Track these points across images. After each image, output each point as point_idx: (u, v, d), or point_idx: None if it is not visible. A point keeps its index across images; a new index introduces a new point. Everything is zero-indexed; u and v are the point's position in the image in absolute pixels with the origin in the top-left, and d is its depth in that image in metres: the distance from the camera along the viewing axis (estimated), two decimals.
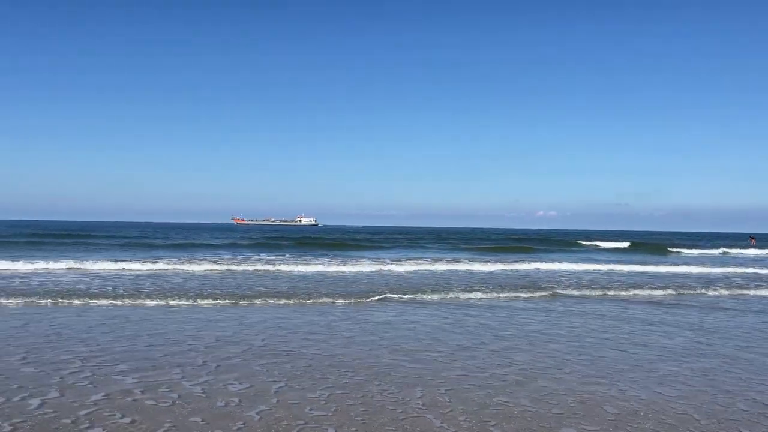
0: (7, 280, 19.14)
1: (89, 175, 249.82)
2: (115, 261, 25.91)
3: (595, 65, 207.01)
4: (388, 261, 30.62)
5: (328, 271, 24.66)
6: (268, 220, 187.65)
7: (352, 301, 16.18)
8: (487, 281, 22.32)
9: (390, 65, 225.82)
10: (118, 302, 14.96)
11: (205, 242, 53.21)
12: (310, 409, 6.64)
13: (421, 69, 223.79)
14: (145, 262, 25.86)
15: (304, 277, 22.19)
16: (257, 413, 6.48)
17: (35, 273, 21.54)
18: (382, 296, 16.88)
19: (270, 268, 25.26)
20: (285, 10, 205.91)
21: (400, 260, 32.05)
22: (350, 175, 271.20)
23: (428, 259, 33.39)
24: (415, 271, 25.93)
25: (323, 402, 6.94)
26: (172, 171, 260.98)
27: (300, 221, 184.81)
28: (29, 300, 14.74)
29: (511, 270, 28.31)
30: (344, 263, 27.90)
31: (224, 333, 11.21)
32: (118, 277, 20.54)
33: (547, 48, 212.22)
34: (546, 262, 33.61)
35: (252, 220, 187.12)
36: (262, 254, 36.14)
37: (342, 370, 8.47)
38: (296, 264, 26.69)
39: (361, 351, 9.80)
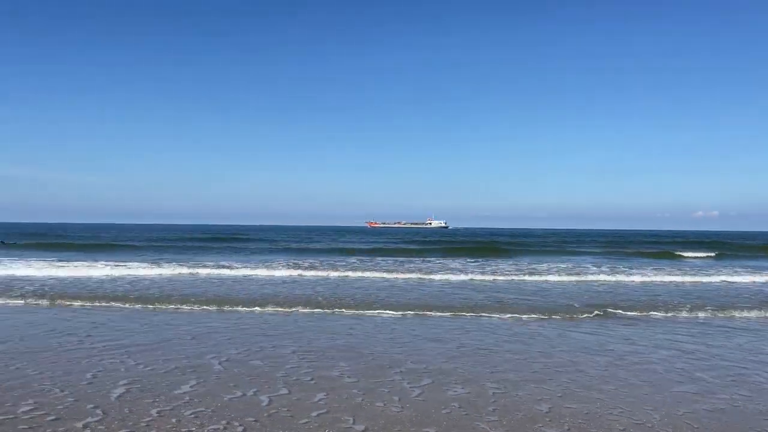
0: (268, 285, 20.27)
1: (231, 179, 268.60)
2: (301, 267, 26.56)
3: None
4: (589, 267, 27.92)
5: (516, 281, 21.80)
6: (399, 223, 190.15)
7: (577, 316, 13.70)
8: (705, 296, 17.92)
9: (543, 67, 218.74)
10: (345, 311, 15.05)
11: (390, 247, 50.47)
12: None
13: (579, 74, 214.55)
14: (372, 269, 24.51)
15: (495, 287, 19.57)
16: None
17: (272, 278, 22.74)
18: (601, 311, 14.28)
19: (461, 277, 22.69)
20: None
21: (583, 266, 29.93)
22: (479, 176, 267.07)
23: (606, 268, 28.98)
24: (613, 282, 21.92)
25: None
26: (311, 175, 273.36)
27: (430, 224, 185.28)
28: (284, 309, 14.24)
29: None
30: (530, 273, 24.57)
31: (471, 342, 10.77)
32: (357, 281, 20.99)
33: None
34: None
35: (384, 223, 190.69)
36: (442, 259, 34.04)
37: None
38: (481, 272, 24.16)
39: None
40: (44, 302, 14.68)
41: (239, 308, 13.92)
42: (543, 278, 22.29)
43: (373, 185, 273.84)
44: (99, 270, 22.52)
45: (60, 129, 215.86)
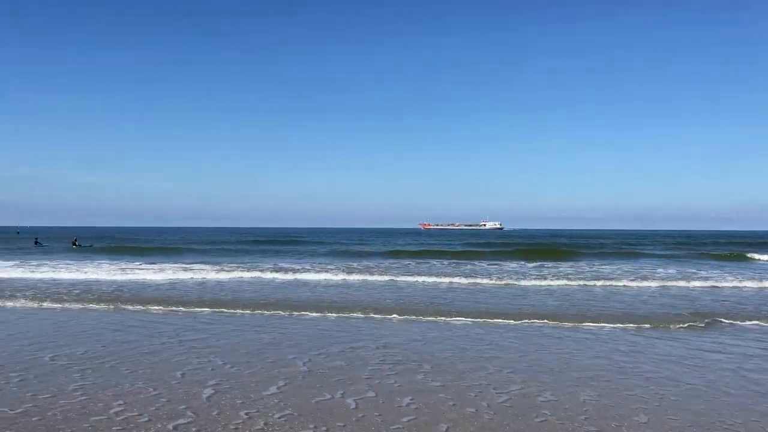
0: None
1: (284, 182, 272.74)
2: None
3: None
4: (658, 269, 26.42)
5: (588, 286, 20.25)
6: (452, 224, 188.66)
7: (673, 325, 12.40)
8: None
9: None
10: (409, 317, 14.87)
11: (451, 249, 47.97)
12: None
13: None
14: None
15: (567, 293, 18.09)
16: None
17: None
18: (709, 320, 12.94)
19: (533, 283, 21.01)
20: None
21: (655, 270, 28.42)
22: (534, 177, 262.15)
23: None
24: (698, 288, 20.01)
25: None
26: (368, 179, 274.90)
27: (484, 225, 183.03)
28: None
29: None
30: (597, 277, 23.01)
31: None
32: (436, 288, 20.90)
33: None
34: None
35: (438, 225, 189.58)
36: (502, 262, 32.43)
37: None
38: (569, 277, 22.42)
39: None
40: (126, 306, 14.73)
41: (310, 313, 13.61)
42: (612, 283, 21.03)
43: (427, 187, 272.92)
44: (168, 274, 22.98)
45: (125, 140, 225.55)
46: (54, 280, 21.00)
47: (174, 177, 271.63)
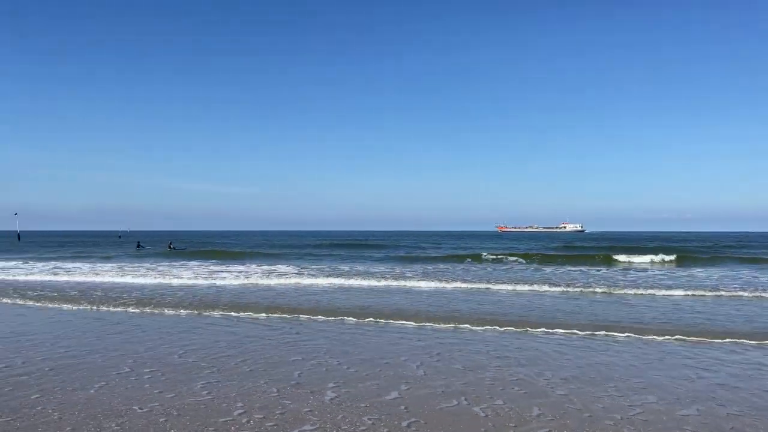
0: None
1: (357, 184, 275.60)
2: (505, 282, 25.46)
3: None
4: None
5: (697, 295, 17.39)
6: (531, 227, 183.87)
7: None
8: None
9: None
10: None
11: (532, 252, 43.00)
12: None
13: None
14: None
15: (676, 302, 15.48)
16: None
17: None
18: None
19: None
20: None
21: None
22: (616, 177, 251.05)
23: None
24: None
25: None
26: (442, 180, 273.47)
27: (564, 227, 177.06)
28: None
29: None
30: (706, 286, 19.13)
31: None
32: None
33: None
34: None
35: (516, 228, 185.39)
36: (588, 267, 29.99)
37: None
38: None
39: None
40: (231, 313, 13.87)
41: (409, 322, 12.36)
42: (720, 293, 18.04)
43: (504, 188, 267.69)
44: (259, 278, 22.94)
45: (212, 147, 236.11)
46: (163, 284, 21.84)
47: (259, 182, 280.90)
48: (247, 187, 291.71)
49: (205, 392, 6.86)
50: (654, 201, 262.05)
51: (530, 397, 6.72)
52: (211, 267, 29.56)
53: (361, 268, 28.63)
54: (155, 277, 23.29)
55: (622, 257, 35.74)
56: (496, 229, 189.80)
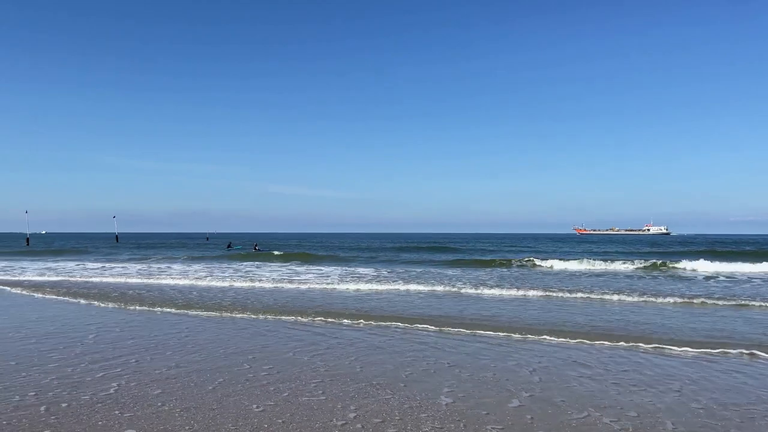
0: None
1: (440, 188, 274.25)
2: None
3: None
4: None
5: None
6: (612, 229, 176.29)
7: None
8: None
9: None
10: None
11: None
12: None
13: None
14: None
15: None
16: None
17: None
18: None
19: None
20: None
21: None
22: (704, 178, 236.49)
23: None
24: None
25: None
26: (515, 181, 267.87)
27: (648, 230, 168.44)
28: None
29: None
30: None
31: None
32: None
33: None
34: None
35: (595, 230, 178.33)
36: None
37: None
38: None
39: None
40: (331, 320, 12.54)
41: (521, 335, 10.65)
42: None
43: (584, 189, 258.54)
44: (344, 284, 21.23)
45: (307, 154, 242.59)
46: (255, 288, 22.26)
47: (344, 186, 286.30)
48: (334, 191, 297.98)
49: (320, 391, 6.66)
50: (751, 201, 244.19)
51: (666, 412, 6.04)
52: (294, 268, 30.09)
53: (435, 271, 28.12)
54: (251, 280, 23.00)
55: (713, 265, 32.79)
56: (574, 232, 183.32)
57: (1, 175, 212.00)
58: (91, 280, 23.09)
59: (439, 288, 19.14)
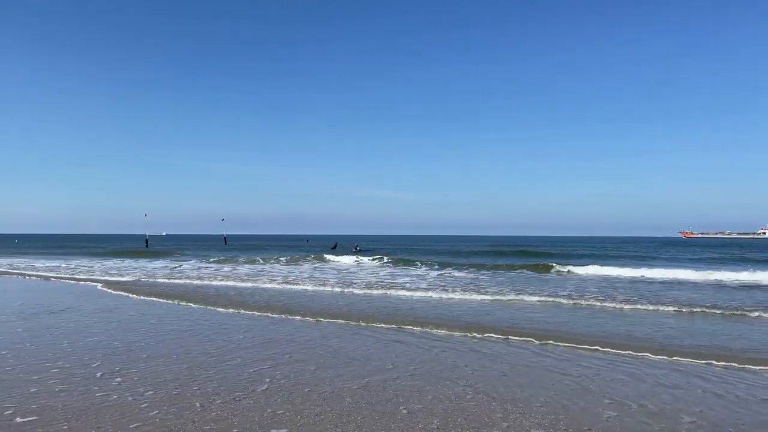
0: None
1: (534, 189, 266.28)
2: None
3: None
4: None
5: None
6: (721, 233, 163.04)
7: None
8: None
9: None
10: None
11: None
12: None
13: None
14: None
15: None
16: None
17: None
18: None
19: None
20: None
21: None
22: None
23: None
24: None
25: None
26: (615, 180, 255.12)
27: (764, 233, 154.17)
28: None
29: None
30: None
31: None
32: None
33: None
34: None
35: (703, 234, 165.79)
36: None
37: None
38: None
39: None
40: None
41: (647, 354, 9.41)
42: None
43: (690, 190, 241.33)
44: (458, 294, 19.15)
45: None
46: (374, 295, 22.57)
47: (421, 189, 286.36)
48: (425, 194, 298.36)
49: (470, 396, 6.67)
50: None
51: None
52: (393, 270, 30.39)
53: (532, 275, 27.17)
54: (386, 287, 20.94)
55: None
56: (680, 235, 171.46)
57: (124, 181, 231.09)
58: (214, 283, 24.56)
59: (564, 301, 16.74)
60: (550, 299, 17.11)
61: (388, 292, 19.34)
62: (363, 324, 12.33)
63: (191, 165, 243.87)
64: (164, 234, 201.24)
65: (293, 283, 22.47)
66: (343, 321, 12.78)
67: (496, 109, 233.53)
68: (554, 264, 32.25)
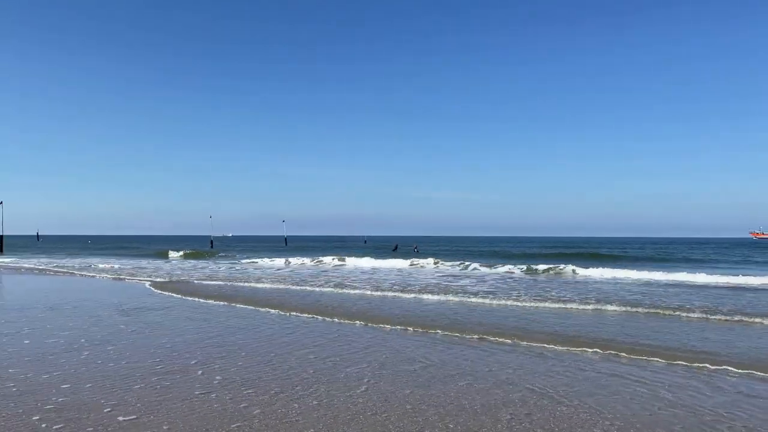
0: None
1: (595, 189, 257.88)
2: None
3: None
4: None
5: None
6: None
7: None
8: None
9: None
10: None
11: None
12: None
13: None
14: None
15: None
16: None
17: None
18: None
19: None
20: None
21: None
22: None
23: None
24: None
25: None
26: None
27: None
28: None
29: None
30: None
31: None
32: None
33: None
34: None
35: None
36: None
37: None
38: None
39: None
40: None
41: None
42: None
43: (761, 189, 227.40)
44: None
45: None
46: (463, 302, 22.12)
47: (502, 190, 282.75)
48: (480, 194, 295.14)
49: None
50: None
51: None
52: (458, 272, 29.76)
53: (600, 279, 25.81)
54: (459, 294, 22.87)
55: None
56: (750, 236, 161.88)
57: (189, 183, 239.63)
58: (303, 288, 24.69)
59: (641, 310, 14.59)
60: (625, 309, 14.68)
61: (465, 298, 17.13)
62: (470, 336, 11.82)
63: (256, 168, 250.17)
64: (230, 235, 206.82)
65: (377, 289, 20.02)
66: (441, 332, 11.26)
67: (549, 108, 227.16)
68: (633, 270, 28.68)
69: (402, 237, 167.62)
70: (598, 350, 9.20)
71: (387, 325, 11.92)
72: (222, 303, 15.69)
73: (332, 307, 14.69)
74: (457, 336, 10.55)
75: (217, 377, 7.26)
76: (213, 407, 5.97)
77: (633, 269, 28.75)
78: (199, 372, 7.51)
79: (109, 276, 26.63)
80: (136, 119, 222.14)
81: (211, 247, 75.71)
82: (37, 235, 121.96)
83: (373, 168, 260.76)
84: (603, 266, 31.00)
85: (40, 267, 34.28)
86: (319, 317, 13.02)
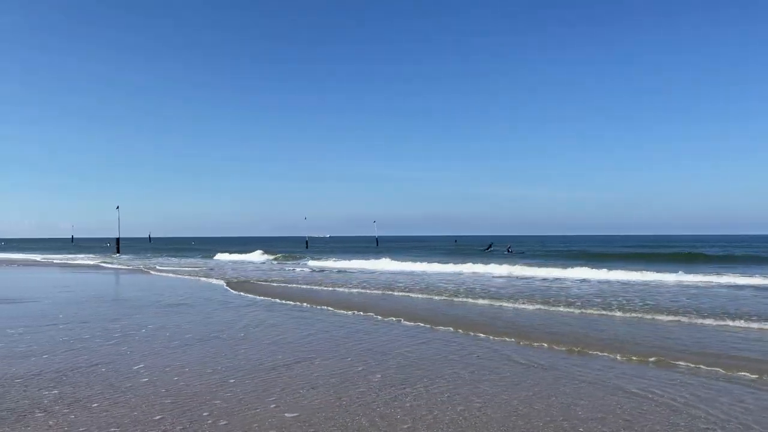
0: None
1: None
2: None
3: None
4: None
5: None
6: None
7: None
8: None
9: None
10: None
11: None
12: None
13: None
14: None
15: None
16: None
17: None
18: None
19: None
20: None
21: None
22: None
23: None
24: None
25: None
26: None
27: None
28: None
29: None
30: None
31: None
32: None
33: None
34: None
35: None
36: None
37: None
38: None
39: None
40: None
41: None
42: None
43: None
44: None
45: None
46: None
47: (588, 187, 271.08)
48: (571, 192, 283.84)
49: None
50: None
51: None
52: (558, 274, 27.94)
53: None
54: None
55: None
56: None
57: (284, 184, 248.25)
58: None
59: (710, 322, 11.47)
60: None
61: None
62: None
63: (351, 169, 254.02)
64: (327, 236, 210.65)
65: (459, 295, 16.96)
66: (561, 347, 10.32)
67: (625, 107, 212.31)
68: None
69: (494, 237, 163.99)
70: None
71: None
72: (361, 313, 15.58)
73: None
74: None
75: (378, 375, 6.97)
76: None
77: None
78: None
79: (219, 279, 27.70)
80: (235, 126, 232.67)
81: (306, 247, 77.35)
82: (149, 237, 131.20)
83: (457, 170, 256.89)
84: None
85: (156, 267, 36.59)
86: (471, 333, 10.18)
